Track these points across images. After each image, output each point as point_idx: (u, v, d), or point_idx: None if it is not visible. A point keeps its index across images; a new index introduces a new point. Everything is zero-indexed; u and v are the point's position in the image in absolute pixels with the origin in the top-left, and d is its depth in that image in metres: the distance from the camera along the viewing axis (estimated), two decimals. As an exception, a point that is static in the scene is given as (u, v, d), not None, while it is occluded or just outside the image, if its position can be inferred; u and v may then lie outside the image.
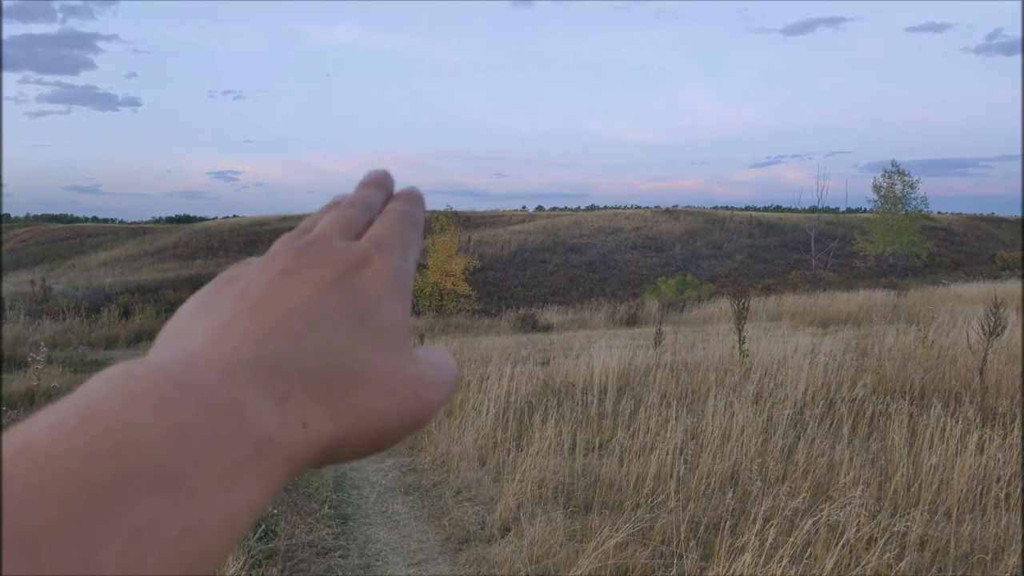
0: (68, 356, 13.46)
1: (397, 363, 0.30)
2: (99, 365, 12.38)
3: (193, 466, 0.22)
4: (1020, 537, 3.57)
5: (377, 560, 4.36)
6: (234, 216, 64.05)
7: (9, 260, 41.45)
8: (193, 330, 0.28)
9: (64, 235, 55.29)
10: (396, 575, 4.15)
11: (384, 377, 0.29)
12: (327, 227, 0.33)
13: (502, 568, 3.92)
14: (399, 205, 0.37)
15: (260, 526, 4.54)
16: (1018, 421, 4.86)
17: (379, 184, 0.39)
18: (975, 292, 17.73)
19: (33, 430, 0.21)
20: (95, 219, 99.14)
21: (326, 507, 5.12)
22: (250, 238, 42.86)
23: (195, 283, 28.23)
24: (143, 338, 17.68)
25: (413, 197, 0.38)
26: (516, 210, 60.46)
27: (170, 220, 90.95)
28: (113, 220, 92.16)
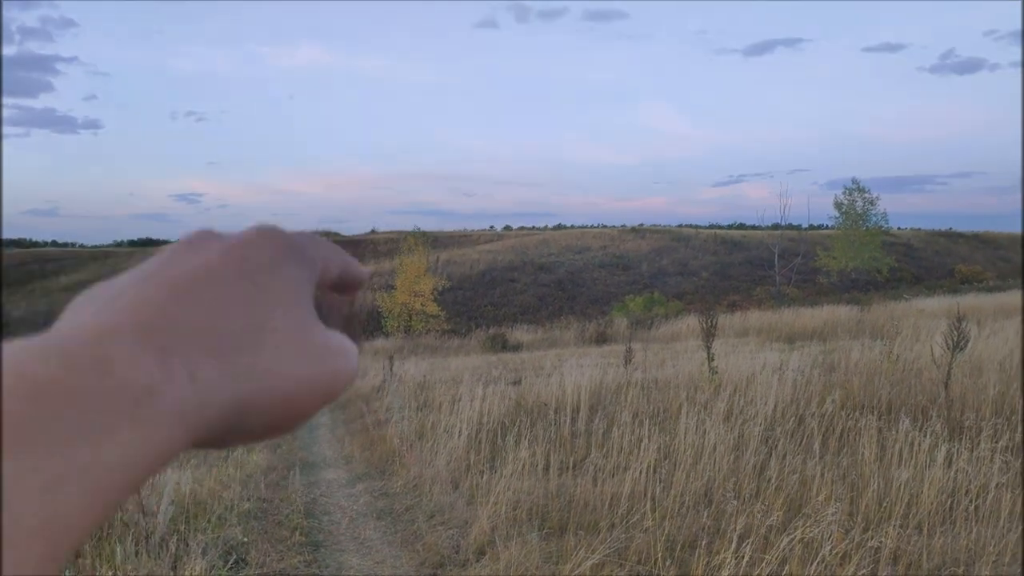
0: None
1: (300, 325, 0.29)
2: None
3: (51, 422, 0.21)
4: (991, 549, 3.61)
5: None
6: (198, 238, 63.21)
7: (-36, 285, 40.38)
8: (83, 308, 0.27)
9: (23, 260, 54.06)
10: (369, 603, 4.07)
11: (286, 338, 0.28)
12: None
13: (478, 593, 3.86)
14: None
15: (231, 555, 4.44)
16: (984, 434, 4.94)
17: None
18: (936, 306, 18.13)
19: None
20: (55, 243, 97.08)
21: (297, 534, 5.01)
22: (215, 260, 42.26)
23: (158, 307, 27.81)
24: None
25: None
26: (484, 230, 60.60)
27: (132, 243, 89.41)
28: (74, 244, 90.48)
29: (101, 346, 0.23)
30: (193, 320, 0.26)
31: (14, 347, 0.22)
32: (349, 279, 0.35)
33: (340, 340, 0.31)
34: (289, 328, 0.28)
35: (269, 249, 0.30)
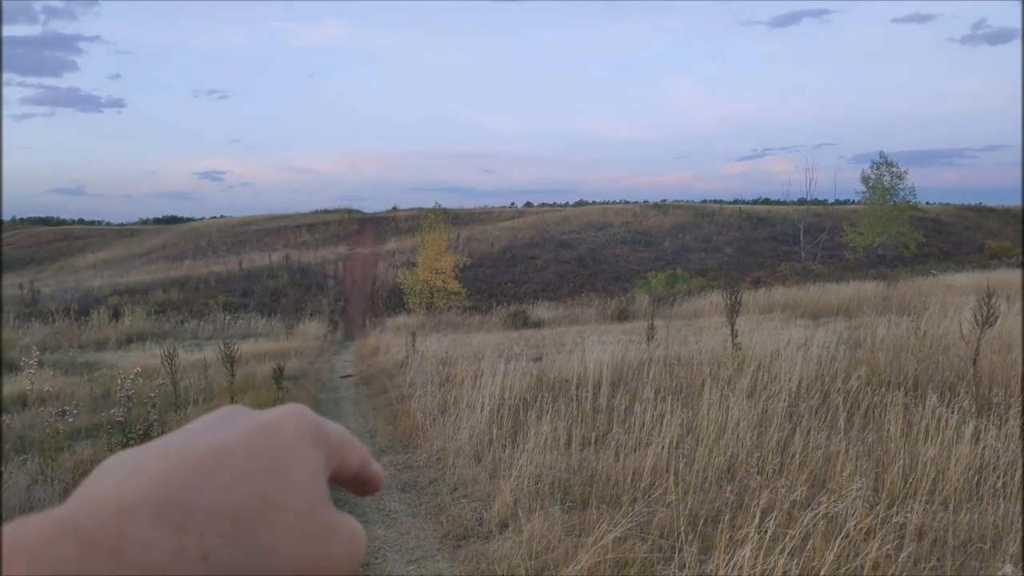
0: (59, 359, 13.35)
1: (312, 506, 0.30)
2: (90, 367, 12.28)
3: None
4: (1019, 524, 3.57)
5: (376, 558, 4.34)
6: (221, 216, 63.70)
7: (-5, 263, 41.10)
8: (106, 477, 0.28)
9: (51, 238, 54.89)
10: (395, 573, 4.13)
11: (299, 520, 0.29)
12: None
13: (501, 564, 3.90)
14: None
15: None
16: (1013, 410, 4.88)
17: None
18: (965, 282, 17.82)
19: None
20: (81, 221, 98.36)
21: (322, 507, 5.08)
22: (238, 238, 42.60)
23: (184, 284, 28.11)
24: (133, 339, 17.56)
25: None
26: (505, 207, 60.36)
27: (157, 221, 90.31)
28: (99, 222, 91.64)
29: (117, 528, 0.25)
30: (210, 499, 0.27)
31: (34, 526, 0.24)
32: (367, 478, 0.37)
33: (350, 524, 0.32)
34: (302, 510, 0.29)
35: (294, 430, 0.31)
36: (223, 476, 0.28)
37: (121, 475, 0.28)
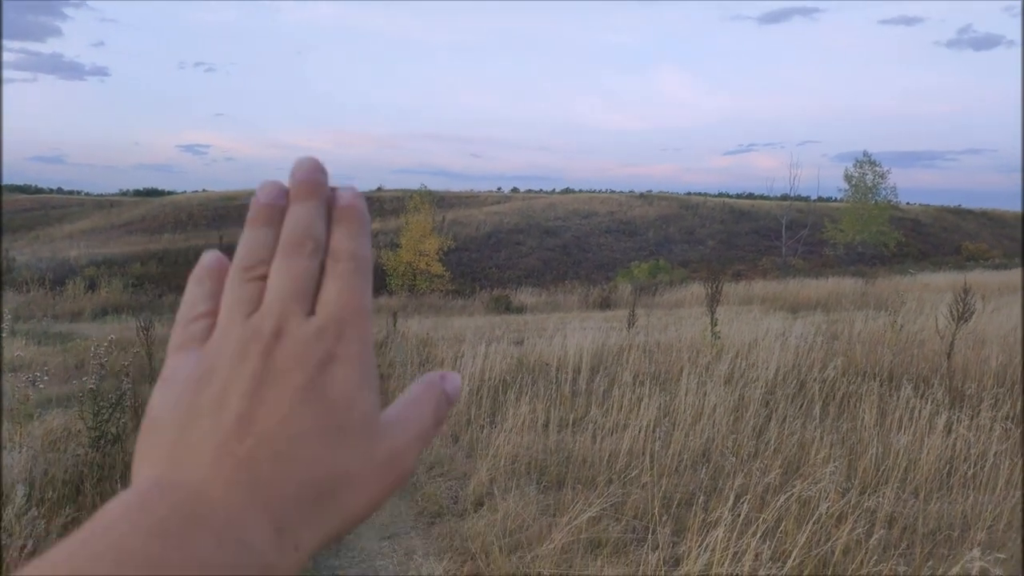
0: (32, 328, 13.15)
1: (370, 455, 0.32)
2: (63, 338, 12.12)
3: None
4: (987, 514, 3.63)
5: (349, 534, 4.33)
6: (203, 190, 62.96)
7: (-31, 230, 40.40)
8: (186, 445, 0.30)
9: (28, 206, 54.01)
10: (368, 548, 4.12)
11: (362, 477, 0.31)
12: (283, 296, 0.32)
13: (475, 541, 3.90)
14: (347, 245, 0.34)
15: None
16: (984, 403, 4.94)
17: (315, 193, 0.35)
18: (942, 282, 18.05)
19: (70, 561, 0.24)
20: (60, 191, 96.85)
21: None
22: (219, 212, 42.16)
23: (163, 257, 27.81)
24: (109, 311, 17.34)
25: (357, 220, 0.35)
26: (491, 191, 60.17)
27: (137, 193, 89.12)
28: (79, 192, 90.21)
29: (238, 523, 0.27)
30: (296, 489, 0.29)
31: (157, 512, 0.26)
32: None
33: (408, 427, 0.34)
34: (365, 464, 0.31)
35: (346, 384, 0.32)
36: (301, 460, 0.29)
37: (204, 450, 0.29)
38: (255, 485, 0.29)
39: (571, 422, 5.61)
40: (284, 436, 0.30)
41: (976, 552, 2.76)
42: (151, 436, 0.31)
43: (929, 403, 4.90)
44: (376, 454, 0.32)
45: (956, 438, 4.44)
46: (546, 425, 5.54)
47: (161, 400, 0.32)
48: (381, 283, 26.92)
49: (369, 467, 0.31)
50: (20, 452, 4.91)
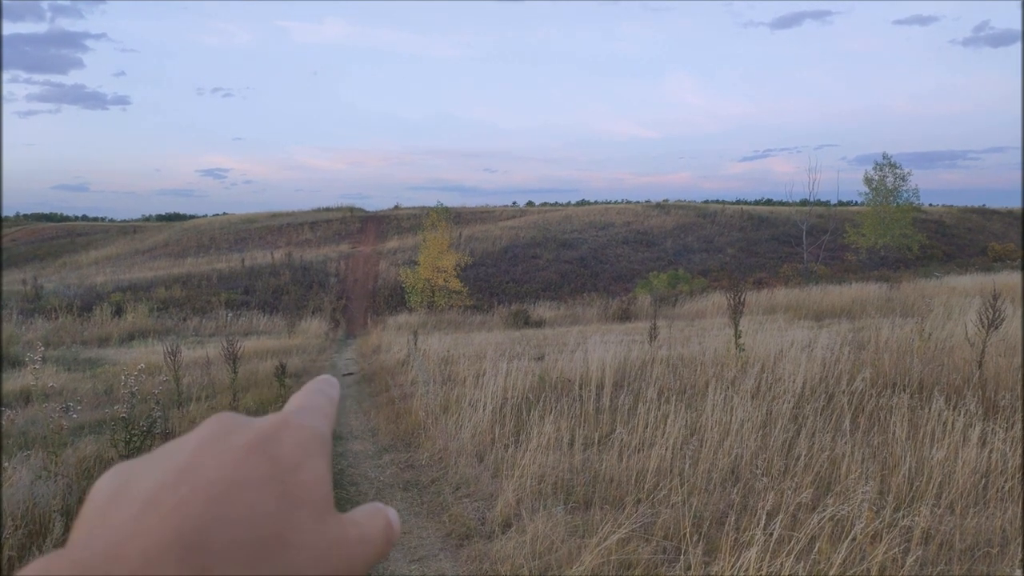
0: (61, 355, 13.34)
1: (321, 525, 0.31)
2: (92, 364, 12.28)
3: None
4: (1022, 527, 3.55)
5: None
6: (224, 214, 63.58)
7: (-2, 259, 41.14)
8: (118, 507, 0.29)
9: (54, 234, 54.89)
10: (397, 572, 4.11)
11: (309, 540, 0.30)
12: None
13: (504, 564, 3.88)
14: (313, 384, 0.40)
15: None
16: (1019, 414, 4.85)
17: None
18: (969, 284, 17.77)
19: None
20: (85, 218, 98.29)
21: (324, 505, 5.07)
22: (240, 235, 42.59)
23: (186, 281, 28.11)
24: (136, 336, 17.55)
25: (327, 379, 0.41)
26: (507, 206, 60.23)
27: (160, 218, 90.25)
28: (103, 219, 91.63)
29: (145, 574, 0.25)
30: (230, 533, 0.28)
31: (56, 569, 0.25)
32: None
33: (363, 528, 0.34)
34: (313, 528, 0.30)
35: (295, 445, 0.32)
36: (238, 511, 0.28)
37: (136, 509, 0.28)
38: (180, 532, 0.27)
39: (596, 440, 5.59)
40: (222, 483, 0.29)
41: (1018, 570, 2.70)
42: (86, 506, 0.30)
43: (962, 415, 4.82)
44: (326, 530, 0.31)
45: (991, 450, 4.36)
46: (571, 444, 5.51)
47: (107, 473, 0.32)
48: (401, 301, 27.03)
49: (317, 539, 0.30)
50: (55, 481, 4.97)
